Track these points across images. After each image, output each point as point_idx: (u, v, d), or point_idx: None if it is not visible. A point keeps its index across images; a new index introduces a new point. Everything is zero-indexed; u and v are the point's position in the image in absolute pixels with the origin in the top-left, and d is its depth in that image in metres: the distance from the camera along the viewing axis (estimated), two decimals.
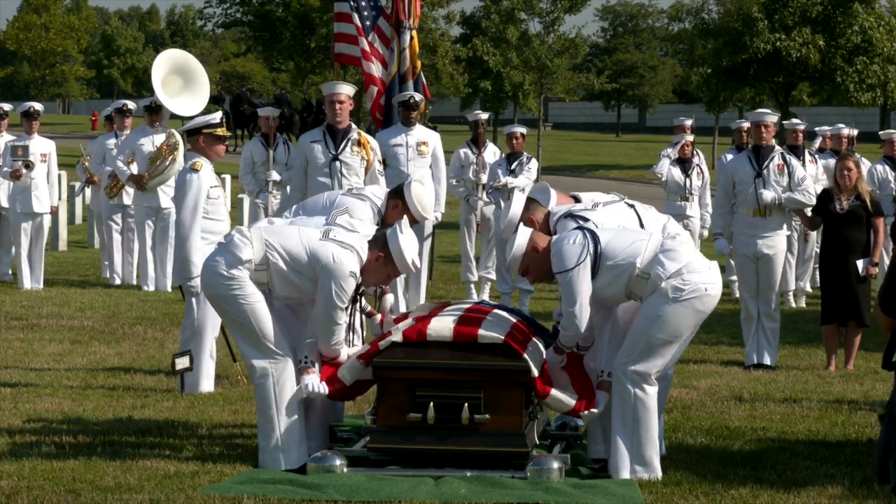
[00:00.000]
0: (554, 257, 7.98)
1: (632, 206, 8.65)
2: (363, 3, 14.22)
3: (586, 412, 8.06)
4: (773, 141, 12.97)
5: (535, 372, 8.04)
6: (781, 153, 12.84)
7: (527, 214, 8.45)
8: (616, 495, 7.58)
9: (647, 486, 7.79)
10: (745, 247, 12.77)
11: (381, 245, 8.17)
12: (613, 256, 7.96)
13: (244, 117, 50.78)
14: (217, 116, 10.63)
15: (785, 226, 12.86)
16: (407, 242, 8.16)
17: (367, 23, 14.16)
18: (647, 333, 7.95)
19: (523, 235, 8.10)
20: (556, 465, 7.91)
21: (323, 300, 8.05)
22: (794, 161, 12.88)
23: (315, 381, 8.16)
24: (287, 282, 8.14)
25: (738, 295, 18.51)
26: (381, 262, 8.16)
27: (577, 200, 8.75)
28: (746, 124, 18.98)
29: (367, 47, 13.98)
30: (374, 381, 8.24)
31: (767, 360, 12.73)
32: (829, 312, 12.79)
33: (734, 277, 18.72)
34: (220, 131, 10.55)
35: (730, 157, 18.79)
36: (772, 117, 12.93)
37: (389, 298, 8.91)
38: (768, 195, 12.61)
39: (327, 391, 8.19)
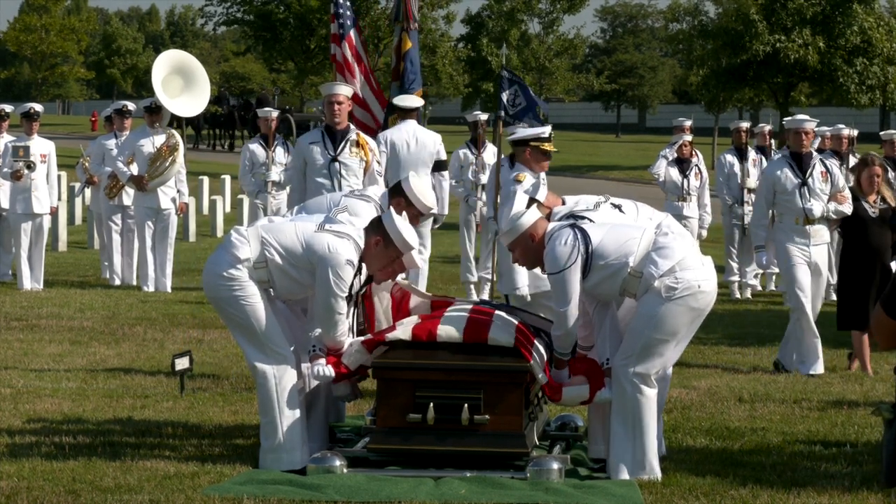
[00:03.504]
0: (546, 258, 8.00)
1: (618, 206, 8.61)
2: (341, 11, 14.14)
3: (599, 393, 8.06)
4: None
5: (545, 379, 8.06)
6: (821, 160, 12.58)
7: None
8: (616, 495, 7.58)
9: (647, 487, 7.80)
10: (801, 254, 12.40)
11: (377, 229, 8.19)
12: (605, 256, 7.97)
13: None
14: (546, 130, 10.31)
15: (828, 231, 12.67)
16: (402, 222, 8.20)
17: (342, 31, 14.08)
18: (644, 333, 7.96)
19: (532, 215, 8.10)
20: (555, 465, 7.91)
21: (322, 290, 8.05)
22: (834, 168, 12.63)
23: (322, 365, 8.15)
24: (286, 277, 8.15)
25: (737, 296, 18.58)
26: (381, 245, 8.17)
27: (563, 203, 8.75)
28: (745, 125, 19.00)
29: (339, 58, 13.92)
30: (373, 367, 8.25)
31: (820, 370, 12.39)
32: (849, 317, 12.41)
33: (733, 278, 18.76)
34: (547, 146, 10.25)
35: (729, 157, 18.82)
36: (811, 124, 12.60)
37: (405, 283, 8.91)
38: (818, 209, 12.34)
39: (333, 374, 8.18)
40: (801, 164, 12.49)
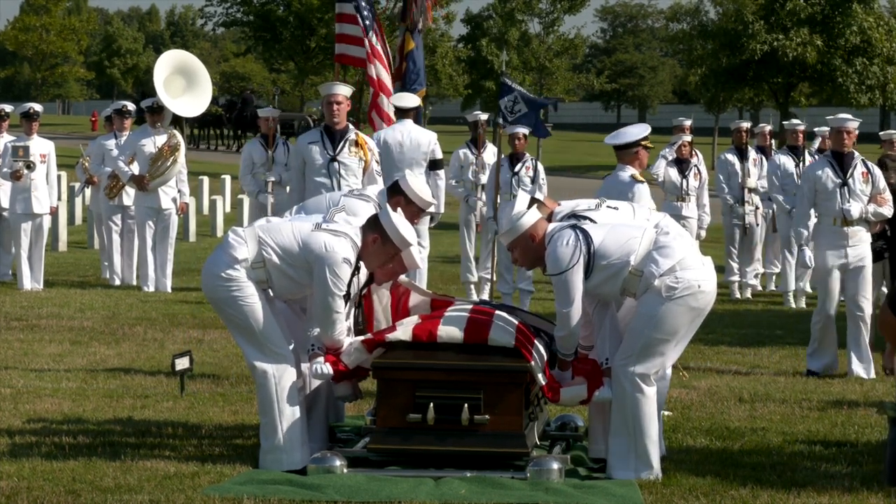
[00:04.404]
0: (548, 259, 8.01)
1: (614, 207, 8.60)
2: (363, 4, 14.18)
3: (598, 392, 8.07)
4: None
5: (543, 381, 8.06)
6: (863, 160, 12.35)
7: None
8: (616, 495, 7.58)
9: (647, 487, 7.80)
10: (834, 257, 12.21)
11: (374, 226, 8.21)
12: (607, 256, 7.98)
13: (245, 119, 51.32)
14: (648, 128, 10.28)
15: (868, 232, 12.36)
16: (399, 219, 8.22)
17: (367, 22, 14.12)
18: (644, 332, 7.96)
19: (532, 215, 8.11)
20: (556, 465, 7.92)
21: (319, 289, 8.06)
22: (876, 169, 12.41)
23: (321, 363, 8.15)
24: (284, 277, 8.15)
25: (737, 296, 18.57)
26: (379, 242, 8.18)
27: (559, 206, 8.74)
28: (745, 125, 18.98)
29: (370, 49, 13.96)
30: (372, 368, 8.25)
31: (872, 373, 12.14)
32: None
33: (733, 278, 18.75)
34: (648, 143, 10.23)
35: (729, 157, 18.81)
36: (853, 123, 12.39)
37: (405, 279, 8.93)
38: (856, 210, 12.12)
39: (332, 373, 8.18)
40: (842, 163, 12.27)
